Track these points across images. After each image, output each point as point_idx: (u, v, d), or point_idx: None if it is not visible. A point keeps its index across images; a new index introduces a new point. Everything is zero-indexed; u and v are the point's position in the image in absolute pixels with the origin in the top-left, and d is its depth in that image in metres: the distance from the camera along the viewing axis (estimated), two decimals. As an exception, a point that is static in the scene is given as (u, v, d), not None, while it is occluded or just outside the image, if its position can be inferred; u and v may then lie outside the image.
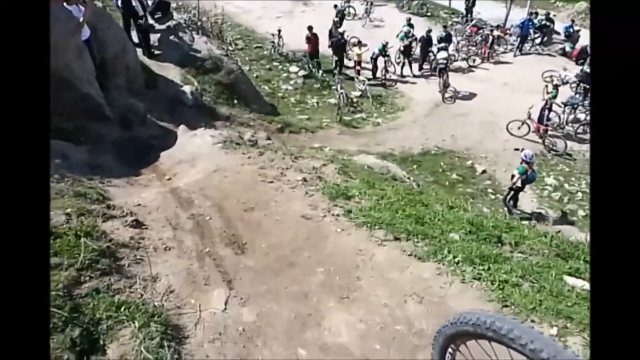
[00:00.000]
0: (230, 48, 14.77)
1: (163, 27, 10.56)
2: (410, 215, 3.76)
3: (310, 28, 14.95)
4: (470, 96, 14.49)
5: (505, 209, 8.96)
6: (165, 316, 2.25)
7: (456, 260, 3.03)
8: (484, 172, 11.00)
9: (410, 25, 16.61)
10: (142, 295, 2.40)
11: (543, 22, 17.85)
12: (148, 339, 2.05)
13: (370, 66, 15.73)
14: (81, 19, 7.10)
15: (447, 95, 14.34)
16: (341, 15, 18.52)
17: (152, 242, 3.02)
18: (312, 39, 15.17)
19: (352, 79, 15.42)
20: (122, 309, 2.20)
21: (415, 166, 10.78)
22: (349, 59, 16.20)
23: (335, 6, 18.67)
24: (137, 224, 3.19)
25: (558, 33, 18.46)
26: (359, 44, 15.45)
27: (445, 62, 14.54)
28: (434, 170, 10.83)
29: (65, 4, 6.89)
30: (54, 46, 5.93)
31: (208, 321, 2.38)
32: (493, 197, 9.97)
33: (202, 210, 3.76)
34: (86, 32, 7.17)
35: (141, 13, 9.69)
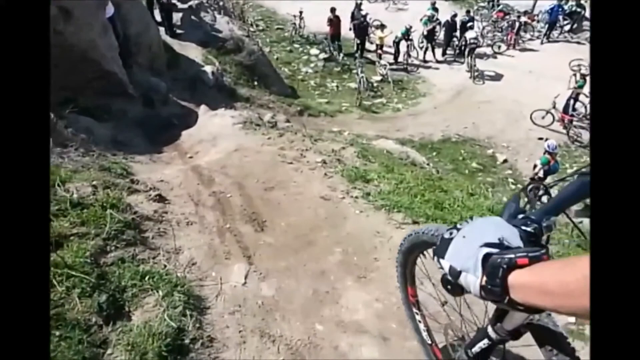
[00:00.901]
0: (251, 29, 14.72)
1: (185, 6, 10.57)
2: (429, 200, 3.75)
3: (333, 10, 14.73)
4: (494, 84, 14.19)
5: (526, 199, 8.81)
6: (187, 287, 2.31)
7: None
8: (505, 161, 10.82)
9: (435, 9, 16.24)
10: (165, 266, 2.47)
11: (573, 9, 17.16)
12: (171, 308, 2.11)
13: (392, 50, 15.49)
14: (106, -4, 7.17)
15: (476, 75, 14.15)
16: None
17: (174, 217, 3.08)
18: (334, 21, 14.97)
19: (373, 63, 15.23)
20: (147, 278, 2.27)
21: (434, 153, 10.68)
22: (371, 43, 15.96)
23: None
24: (161, 199, 3.25)
25: (589, 20, 17.84)
26: (382, 27, 15.19)
27: (475, 42, 14.27)
28: (454, 158, 10.71)
29: (90, -19, 6.95)
30: (80, 22, 6.03)
31: (228, 294, 2.44)
32: (514, 186, 9.82)
33: (223, 188, 3.82)
34: (110, 10, 7.24)
35: (164, -8, 9.72)
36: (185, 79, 8.71)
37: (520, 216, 1.05)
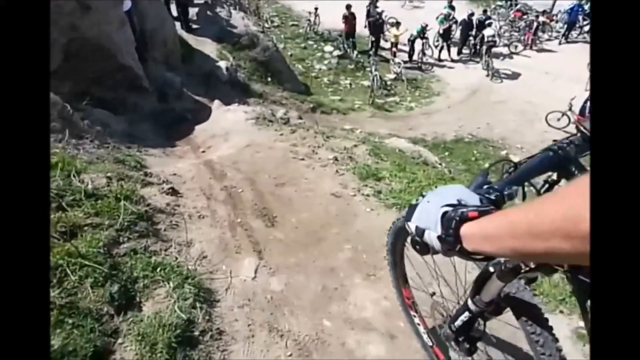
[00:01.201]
0: (266, 25, 14.75)
1: (201, 1, 10.63)
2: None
3: (348, 7, 14.68)
4: (509, 84, 14.03)
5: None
6: (198, 279, 2.33)
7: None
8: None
9: (452, 8, 16.10)
10: (176, 258, 2.49)
11: (594, 9, 16.85)
12: (182, 299, 2.14)
13: (407, 48, 15.40)
14: (123, -10, 7.24)
15: (493, 73, 14.03)
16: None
17: (186, 210, 3.11)
18: (349, 18, 14.92)
19: (387, 61, 15.16)
20: (158, 269, 2.30)
21: (447, 153, 10.59)
22: (386, 40, 15.88)
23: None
24: (173, 192, 3.29)
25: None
26: (397, 24, 15.10)
27: (492, 39, 14.14)
28: (467, 159, 10.61)
29: (109, -26, 7.02)
30: (97, 16, 6.10)
31: (238, 287, 2.46)
32: (526, 189, 9.69)
33: (235, 182, 3.84)
34: (127, 4, 7.31)
35: (181, -14, 9.79)
36: (200, 74, 8.76)
37: (485, 186, 1.16)
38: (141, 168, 3.82)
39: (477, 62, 15.09)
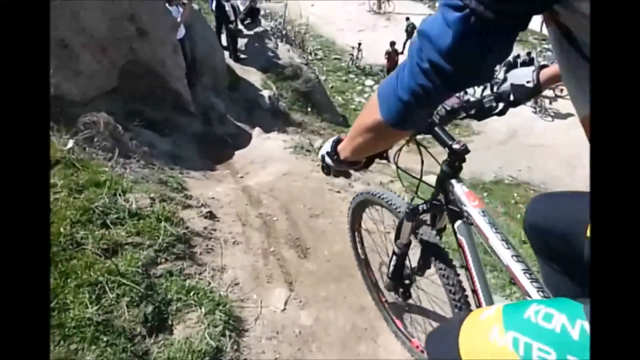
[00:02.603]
0: (310, 57, 15.20)
1: (251, 32, 11.14)
2: (479, 245, 3.61)
3: (392, 44, 14.97)
4: (552, 127, 13.71)
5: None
6: (229, 307, 2.34)
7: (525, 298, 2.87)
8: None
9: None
10: (209, 283, 2.52)
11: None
12: (212, 326, 2.14)
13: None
14: (179, 19, 7.70)
15: (540, 110, 13.86)
16: (410, 29, 17.98)
17: (222, 235, 3.16)
18: (392, 55, 15.18)
19: (427, 97, 15.17)
20: (192, 293, 2.32)
21: (485, 194, 10.35)
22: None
23: (407, 19, 18.36)
24: (211, 216, 3.35)
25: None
26: (439, 63, 15.18)
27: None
28: (506, 201, 10.33)
29: (167, 4, 7.50)
30: (153, 41, 6.48)
31: (267, 318, 2.45)
32: (568, 236, 9.28)
33: (270, 210, 3.88)
34: (182, 32, 7.76)
35: (232, 18, 10.31)
36: (243, 101, 9.08)
37: None
38: (182, 190, 3.94)
39: (519, 104, 14.93)
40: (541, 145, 12.71)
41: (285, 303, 2.62)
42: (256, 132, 7.81)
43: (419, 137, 1.69)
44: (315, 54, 17.72)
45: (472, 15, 0.68)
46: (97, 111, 4.41)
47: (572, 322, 0.76)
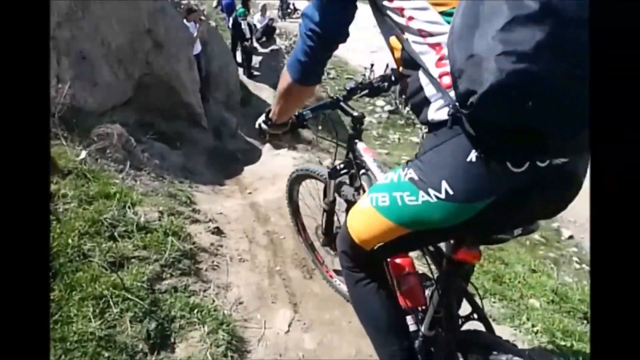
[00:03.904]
0: (322, 76, 15.33)
1: (266, 50, 11.31)
2: (488, 271, 3.55)
3: (403, 65, 15.06)
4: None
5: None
6: (232, 326, 2.30)
7: (535, 329, 2.80)
8: (570, 237, 10.11)
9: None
10: (214, 301, 2.49)
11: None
12: (215, 346, 2.11)
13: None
14: (195, 35, 7.85)
15: None
16: None
17: (228, 251, 3.14)
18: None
19: (438, 120, 15.19)
20: (195, 311, 2.29)
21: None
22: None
23: None
24: (218, 232, 3.34)
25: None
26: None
27: None
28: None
29: (184, 20, 7.66)
30: (169, 56, 6.60)
31: (270, 340, 2.40)
32: (578, 266, 9.09)
33: (278, 228, 3.86)
34: (198, 47, 7.90)
35: (248, 36, 10.49)
36: (255, 116, 9.06)
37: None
38: (190, 204, 3.94)
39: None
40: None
41: (289, 325, 2.58)
42: (266, 148, 7.84)
43: (333, 115, 2.30)
44: (328, 73, 17.89)
45: None
46: (112, 122, 4.47)
47: (396, 173, 1.29)
